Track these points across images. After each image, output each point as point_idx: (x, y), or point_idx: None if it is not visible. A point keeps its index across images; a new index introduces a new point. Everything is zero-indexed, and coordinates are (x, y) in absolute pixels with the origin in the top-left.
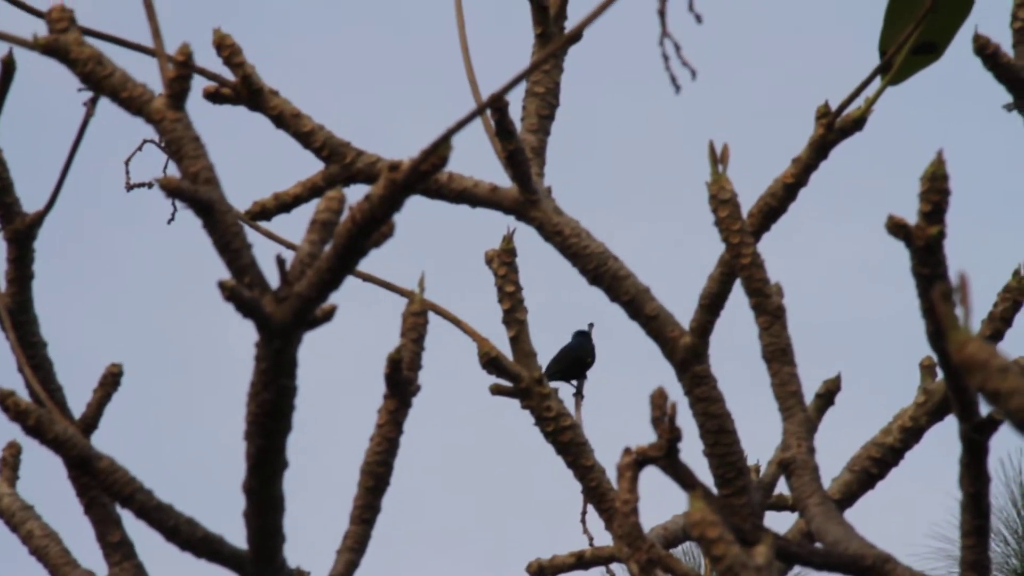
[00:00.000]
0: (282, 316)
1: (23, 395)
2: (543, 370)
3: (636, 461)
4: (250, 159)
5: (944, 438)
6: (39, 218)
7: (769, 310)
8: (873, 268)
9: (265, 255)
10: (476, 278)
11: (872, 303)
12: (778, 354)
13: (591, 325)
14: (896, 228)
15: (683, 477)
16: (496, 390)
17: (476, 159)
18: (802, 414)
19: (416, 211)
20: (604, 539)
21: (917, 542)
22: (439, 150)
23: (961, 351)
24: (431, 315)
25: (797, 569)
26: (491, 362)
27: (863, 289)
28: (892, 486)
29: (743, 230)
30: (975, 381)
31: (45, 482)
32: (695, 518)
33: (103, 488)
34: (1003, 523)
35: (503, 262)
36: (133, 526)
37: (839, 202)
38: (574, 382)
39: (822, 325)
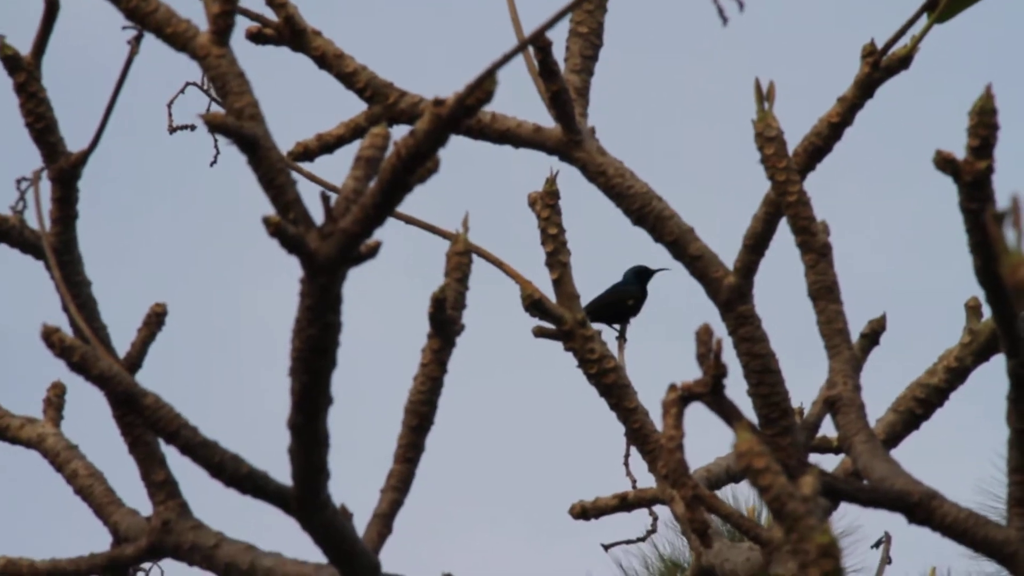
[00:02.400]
0: (327, 252)
1: (68, 333)
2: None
3: (681, 397)
4: (292, 101)
5: (992, 389)
6: (83, 157)
7: (815, 248)
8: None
9: (309, 197)
10: (519, 221)
11: (917, 259)
12: (824, 292)
13: (652, 272)
14: (944, 163)
15: (728, 413)
16: (539, 332)
17: (520, 100)
18: (848, 352)
19: (460, 154)
20: (647, 481)
21: (964, 497)
22: (484, 84)
23: (1015, 274)
24: (475, 259)
25: (842, 511)
26: (534, 304)
27: (910, 245)
28: (939, 442)
29: (789, 167)
30: None
31: (90, 422)
32: (742, 448)
33: (148, 424)
34: None
35: (546, 204)
36: (177, 466)
37: (885, 146)
38: (616, 325)
39: (866, 276)
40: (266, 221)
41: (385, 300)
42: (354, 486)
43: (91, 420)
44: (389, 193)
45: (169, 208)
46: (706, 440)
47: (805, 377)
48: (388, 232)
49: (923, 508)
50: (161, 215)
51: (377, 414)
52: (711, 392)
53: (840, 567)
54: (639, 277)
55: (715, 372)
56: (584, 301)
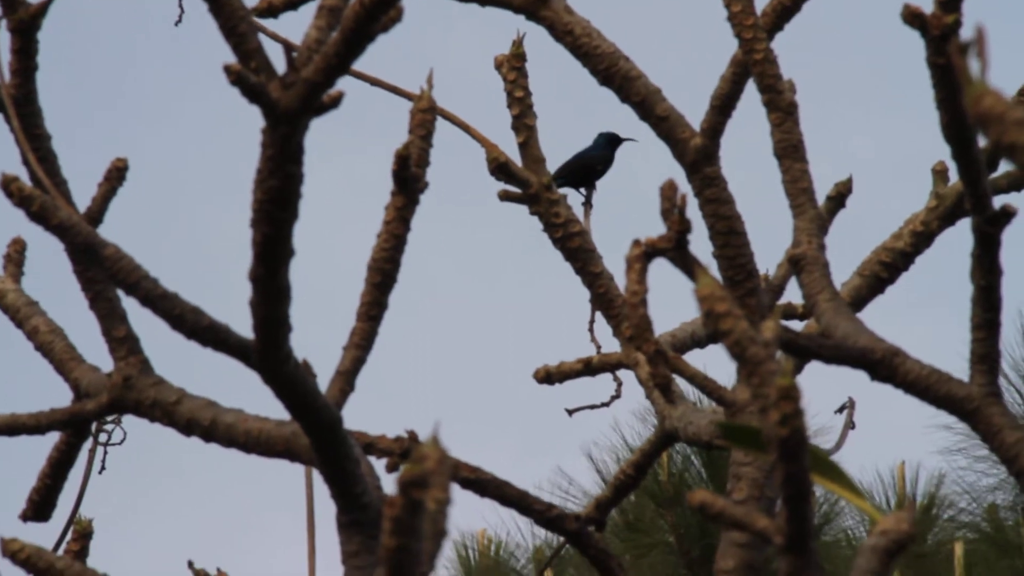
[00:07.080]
0: (289, 102)
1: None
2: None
3: (645, 253)
4: None
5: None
6: (43, 8)
7: (781, 106)
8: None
9: (273, 56)
10: (486, 84)
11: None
12: (790, 150)
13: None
14: (912, 17)
15: (692, 268)
16: (504, 196)
17: None
18: (813, 211)
19: (426, 19)
20: (612, 347)
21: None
22: None
23: (978, 105)
24: (441, 124)
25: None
26: (500, 167)
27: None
28: (904, 307)
29: (756, 25)
30: (992, 135)
31: (50, 278)
32: (703, 292)
33: (109, 276)
34: (1021, 377)
35: (513, 67)
36: (138, 322)
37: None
38: (582, 190)
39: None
40: (227, 69)
41: (351, 163)
42: (317, 346)
43: (52, 276)
44: (352, 42)
45: (132, 66)
46: (671, 307)
47: (771, 244)
48: (354, 92)
49: (886, 365)
50: (123, 75)
51: (341, 273)
52: (675, 248)
53: (800, 409)
54: (610, 143)
55: (679, 228)
56: (551, 165)
